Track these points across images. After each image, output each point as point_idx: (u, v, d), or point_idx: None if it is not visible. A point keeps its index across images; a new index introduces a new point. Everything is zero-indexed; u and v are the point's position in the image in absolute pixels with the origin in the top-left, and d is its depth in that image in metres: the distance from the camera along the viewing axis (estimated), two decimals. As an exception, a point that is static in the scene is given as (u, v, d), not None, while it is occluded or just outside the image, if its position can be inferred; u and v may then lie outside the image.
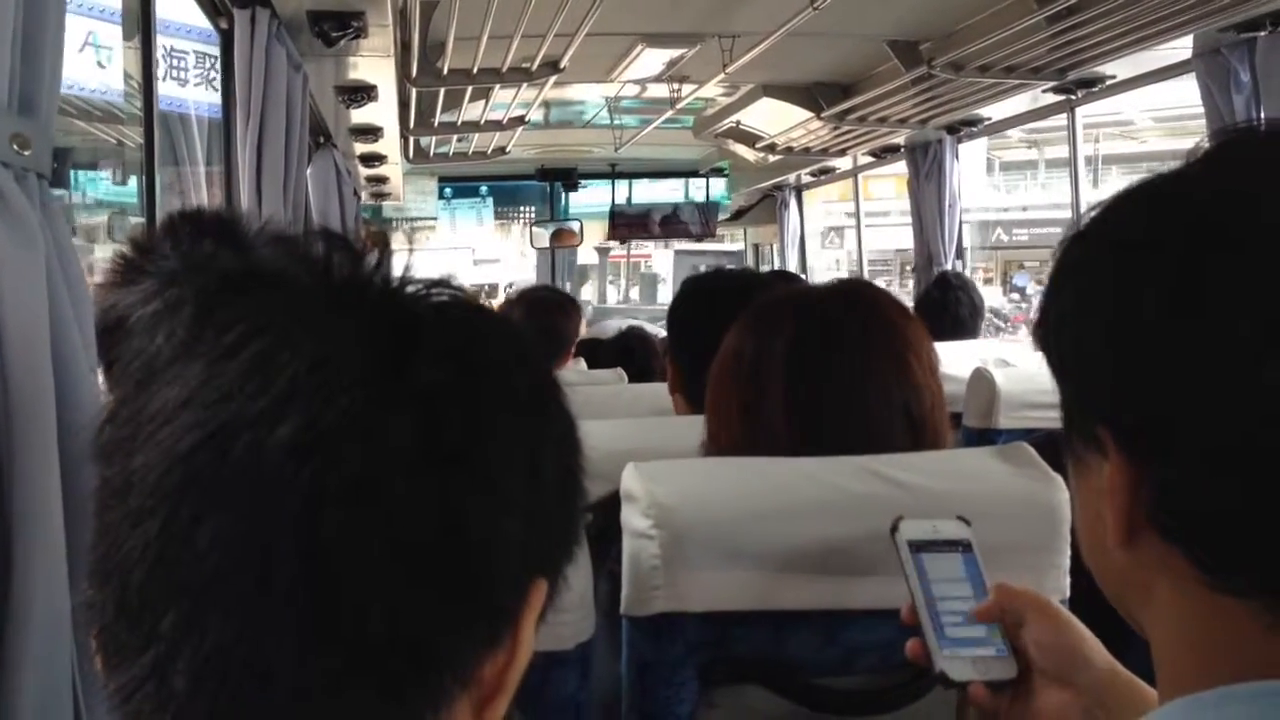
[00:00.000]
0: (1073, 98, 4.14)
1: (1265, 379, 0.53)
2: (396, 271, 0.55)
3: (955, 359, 2.97)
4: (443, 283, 0.56)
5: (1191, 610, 0.58)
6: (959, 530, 0.99)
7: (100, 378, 0.90)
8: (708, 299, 1.79)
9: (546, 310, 3.37)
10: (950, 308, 3.64)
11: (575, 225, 8.12)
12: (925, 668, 0.92)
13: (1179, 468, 0.57)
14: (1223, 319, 0.55)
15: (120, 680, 0.48)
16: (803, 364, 1.19)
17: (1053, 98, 4.18)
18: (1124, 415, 0.59)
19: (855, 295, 1.27)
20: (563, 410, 0.58)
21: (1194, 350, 0.55)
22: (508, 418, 0.52)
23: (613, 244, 14.89)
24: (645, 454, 1.15)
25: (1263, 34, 3.04)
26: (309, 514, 0.46)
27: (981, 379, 2.62)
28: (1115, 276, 0.60)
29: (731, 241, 12.10)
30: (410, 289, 0.54)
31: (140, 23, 2.24)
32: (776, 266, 7.39)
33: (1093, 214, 0.64)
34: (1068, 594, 1.13)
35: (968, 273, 5.38)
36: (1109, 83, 3.98)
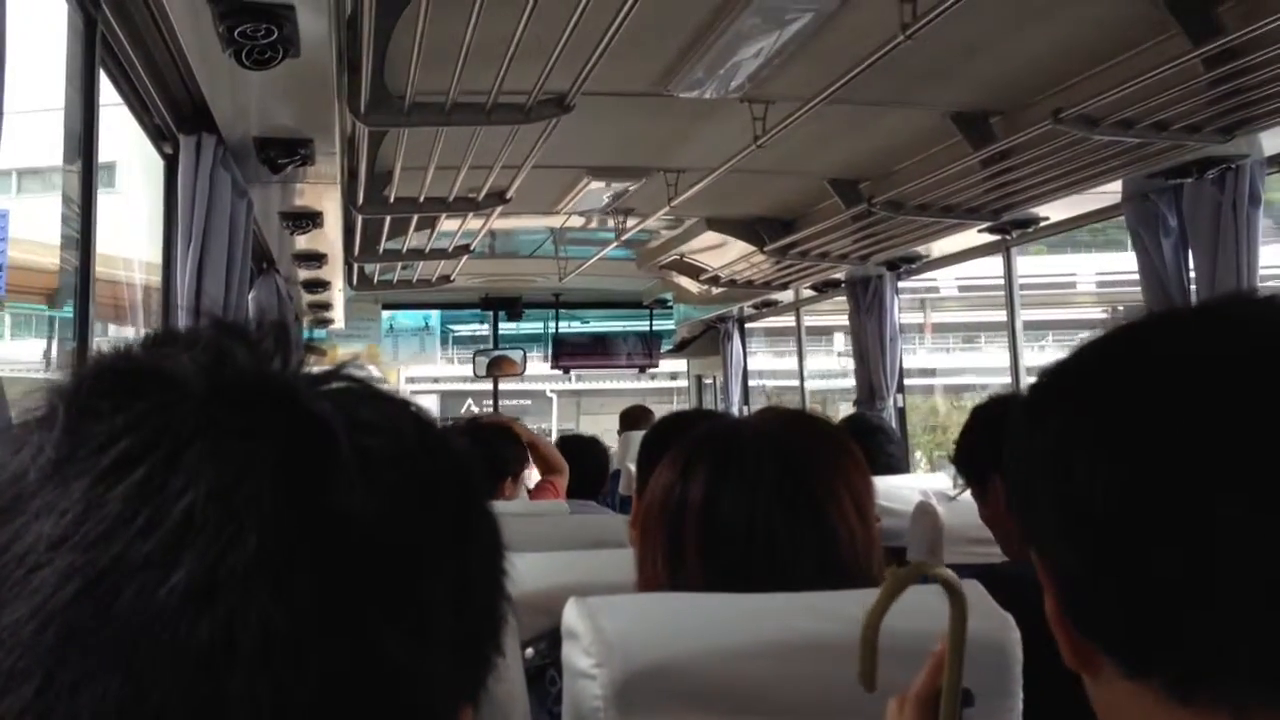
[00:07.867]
0: (1008, 238, 4.25)
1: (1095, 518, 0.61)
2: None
3: (892, 491, 2.96)
4: (344, 372, 0.49)
5: (1112, 690, 0.64)
6: None
7: None
8: (670, 437, 1.77)
9: (486, 436, 3.32)
10: (882, 447, 3.62)
11: (518, 354, 8.11)
12: None
13: (1054, 570, 0.66)
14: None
15: None
16: (716, 507, 1.17)
17: (989, 237, 4.29)
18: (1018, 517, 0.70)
19: (777, 436, 1.24)
20: (489, 520, 0.52)
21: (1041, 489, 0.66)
22: (435, 545, 0.47)
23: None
24: (589, 589, 1.11)
25: (1189, 180, 3.16)
26: (211, 675, 0.40)
27: (925, 514, 2.61)
28: (1024, 416, 0.70)
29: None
30: (311, 386, 0.47)
31: (81, 144, 2.22)
32: (719, 399, 7.43)
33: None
34: None
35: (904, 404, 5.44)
36: (1043, 224, 4.10)
